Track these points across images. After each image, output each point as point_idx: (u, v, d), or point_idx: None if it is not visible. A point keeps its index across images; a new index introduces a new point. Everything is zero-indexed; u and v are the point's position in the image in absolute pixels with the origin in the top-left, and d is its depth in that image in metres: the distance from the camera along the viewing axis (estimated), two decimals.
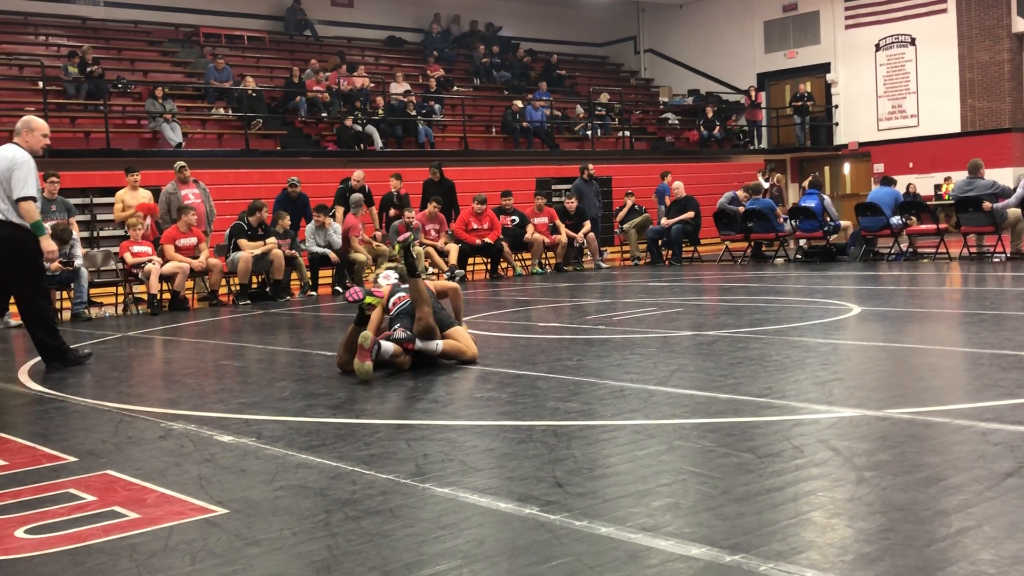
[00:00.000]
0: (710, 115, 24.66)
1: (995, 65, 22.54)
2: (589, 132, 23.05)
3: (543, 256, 16.25)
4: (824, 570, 2.64)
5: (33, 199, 7.18)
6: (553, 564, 2.78)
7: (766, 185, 17.64)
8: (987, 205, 13.69)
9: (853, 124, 24.90)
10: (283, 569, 2.87)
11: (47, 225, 11.31)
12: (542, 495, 3.43)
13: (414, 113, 20.23)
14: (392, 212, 15.18)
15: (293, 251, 13.42)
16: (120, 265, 12.64)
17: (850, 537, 2.91)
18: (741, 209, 16.33)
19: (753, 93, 25.53)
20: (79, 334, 9.94)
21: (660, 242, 17.31)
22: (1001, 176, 17.86)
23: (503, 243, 15.50)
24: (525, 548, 2.93)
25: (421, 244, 14.88)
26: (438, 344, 6.43)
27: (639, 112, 26.22)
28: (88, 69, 17.43)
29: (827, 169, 25.75)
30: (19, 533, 3.34)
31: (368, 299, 6.21)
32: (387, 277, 7.04)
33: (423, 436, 4.50)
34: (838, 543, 2.87)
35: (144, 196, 13.15)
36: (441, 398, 5.53)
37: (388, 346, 6.21)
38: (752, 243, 16.62)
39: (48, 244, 7.35)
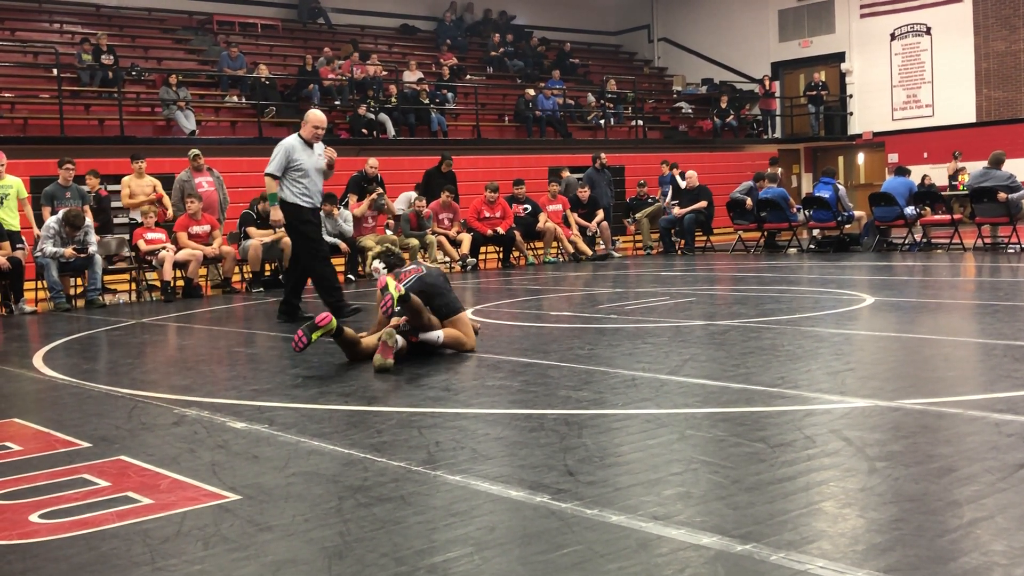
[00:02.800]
0: (724, 104, 24.57)
1: (1011, 55, 22.38)
2: (602, 121, 22.99)
3: (554, 244, 16.22)
4: (835, 560, 2.64)
5: (273, 176, 8.64)
6: (564, 552, 2.79)
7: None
8: (1002, 196, 13.62)
9: (868, 114, 24.78)
10: (295, 555, 2.88)
11: (62, 211, 11.44)
12: (553, 483, 3.44)
13: (427, 101, 20.21)
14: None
15: None
16: (134, 252, 12.68)
17: (861, 527, 2.91)
18: (748, 203, 16.26)
19: (767, 82, 25.41)
20: (93, 320, 9.99)
21: (673, 231, 17.27)
22: (1017, 166, 17.74)
23: (515, 232, 15.49)
24: (536, 536, 2.93)
25: (434, 233, 14.88)
26: (439, 336, 6.51)
27: (652, 101, 26.13)
28: (101, 57, 17.45)
29: (840, 159, 25.67)
30: (33, 518, 3.37)
31: (315, 335, 6.10)
32: (377, 270, 6.99)
33: (435, 424, 4.51)
34: (849, 533, 2.87)
35: (150, 183, 13.16)
36: (452, 386, 5.54)
37: (400, 340, 6.30)
38: (765, 233, 16.58)
39: (275, 213, 8.80)
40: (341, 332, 6.30)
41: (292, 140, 8.74)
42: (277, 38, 22.58)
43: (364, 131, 18.63)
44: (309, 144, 8.70)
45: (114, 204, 15.17)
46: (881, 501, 3.13)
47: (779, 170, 19.18)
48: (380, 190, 14.47)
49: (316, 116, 8.84)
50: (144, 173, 13.16)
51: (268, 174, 8.67)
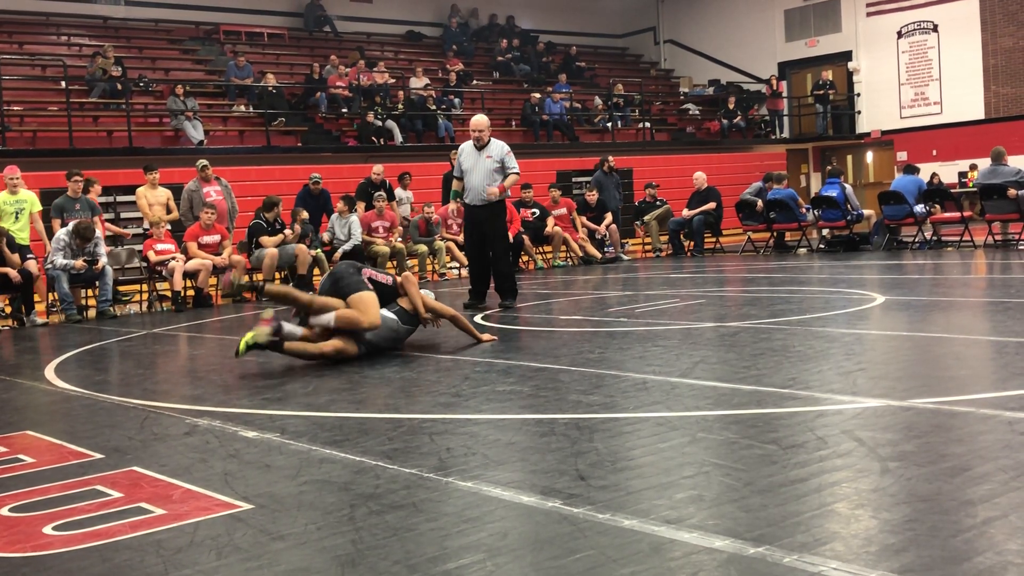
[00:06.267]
0: (731, 105, 24.54)
1: (1019, 51, 22.31)
2: (609, 124, 22.99)
3: (563, 248, 16.20)
4: (848, 561, 2.63)
5: (455, 177, 9.88)
6: (576, 557, 2.79)
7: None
8: (1012, 192, 13.57)
9: (875, 112, 24.72)
10: (308, 563, 2.89)
11: (72, 223, 11.48)
12: (565, 488, 3.44)
13: (434, 107, 20.23)
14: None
15: (315, 248, 13.46)
16: (144, 263, 12.72)
17: (875, 528, 2.90)
18: (759, 204, 16.24)
19: (774, 82, 25.38)
20: (104, 331, 10.02)
21: (682, 233, 17.25)
22: None
23: (523, 236, 15.48)
24: (548, 541, 2.93)
25: (442, 239, 14.89)
26: (330, 318, 6.65)
27: (659, 103, 26.12)
28: (108, 70, 17.49)
29: (849, 158, 25.63)
30: (47, 530, 3.38)
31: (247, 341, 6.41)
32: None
33: (446, 430, 4.51)
34: (862, 534, 2.86)
35: (163, 194, 13.20)
36: (463, 392, 5.54)
37: (291, 328, 6.62)
38: (774, 233, 16.55)
39: (451, 205, 10.46)
40: (281, 346, 6.51)
41: (464, 144, 9.89)
42: (284, 47, 22.64)
43: (374, 139, 18.66)
44: (478, 148, 9.60)
45: (125, 215, 15.25)
46: (894, 501, 3.12)
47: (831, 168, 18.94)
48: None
49: (472, 121, 9.79)
50: (157, 184, 13.21)
51: (454, 176, 9.99)
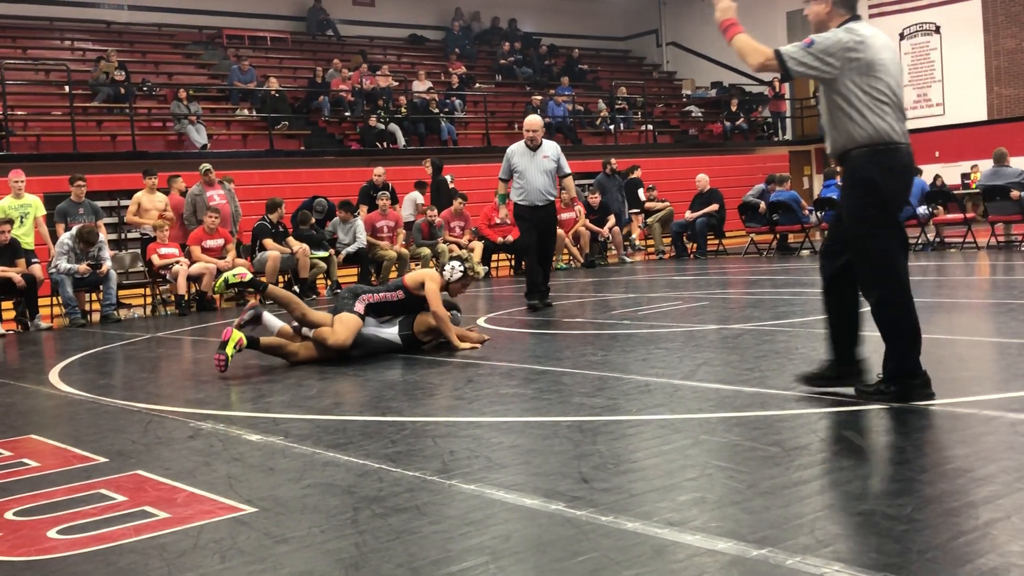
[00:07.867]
0: (734, 107, 24.53)
1: (1021, 52, 22.29)
2: (612, 126, 22.99)
3: (563, 252, 16.19)
4: (851, 563, 2.63)
5: (501, 179, 9.88)
6: (579, 560, 2.79)
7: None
8: (1015, 194, 13.57)
9: None
10: (311, 567, 2.89)
11: (75, 228, 11.50)
12: (568, 491, 3.44)
13: (436, 111, 20.25)
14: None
15: (324, 250, 13.53)
16: (147, 267, 12.73)
17: (877, 530, 2.90)
18: (762, 206, 16.25)
19: (777, 84, 25.37)
20: (108, 335, 10.04)
21: (684, 236, 17.25)
22: None
23: None
24: (551, 544, 2.94)
25: (445, 241, 14.90)
26: (309, 332, 7.08)
27: (662, 105, 26.12)
28: (111, 74, 17.53)
29: None
30: (51, 533, 3.38)
31: (229, 350, 6.71)
32: (452, 268, 7.41)
33: (449, 433, 4.51)
34: (865, 536, 2.86)
35: (161, 199, 13.19)
36: (466, 395, 5.54)
37: (271, 320, 7.14)
38: (777, 235, 16.54)
39: (501, 211, 10.18)
40: (257, 343, 6.83)
41: (514, 145, 9.82)
42: (287, 51, 22.67)
43: (376, 143, 18.68)
44: (532, 148, 9.59)
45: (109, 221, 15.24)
46: (896, 503, 3.12)
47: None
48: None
49: (526, 120, 9.81)
50: (155, 189, 13.20)
51: (499, 178, 9.96)
